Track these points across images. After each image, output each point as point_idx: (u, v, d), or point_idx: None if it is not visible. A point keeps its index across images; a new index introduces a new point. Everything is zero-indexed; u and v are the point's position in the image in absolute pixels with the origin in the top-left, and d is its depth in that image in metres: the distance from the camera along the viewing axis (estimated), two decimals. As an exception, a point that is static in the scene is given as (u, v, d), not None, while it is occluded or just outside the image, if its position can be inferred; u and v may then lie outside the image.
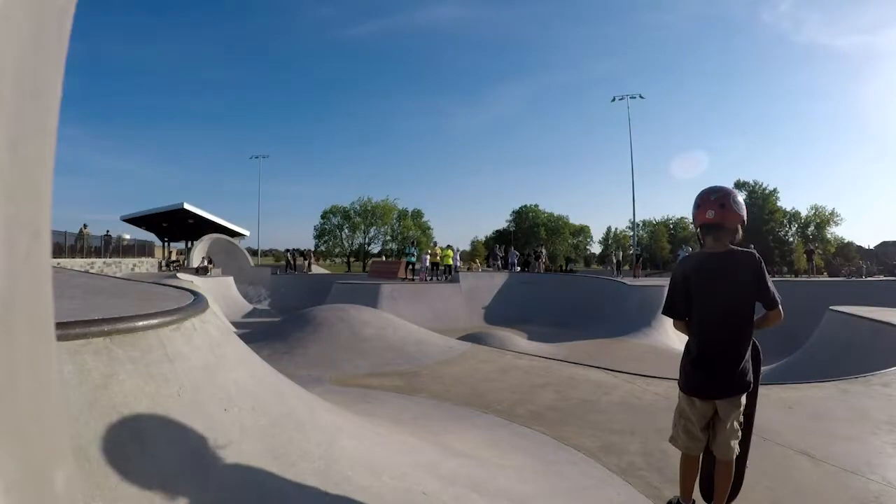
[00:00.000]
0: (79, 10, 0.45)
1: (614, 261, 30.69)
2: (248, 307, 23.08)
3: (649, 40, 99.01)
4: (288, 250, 36.28)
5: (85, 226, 23.62)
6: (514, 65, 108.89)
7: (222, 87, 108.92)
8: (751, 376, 2.41)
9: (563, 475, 3.13)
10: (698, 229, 2.54)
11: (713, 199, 2.44)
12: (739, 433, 2.45)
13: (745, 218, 2.48)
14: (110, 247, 24.33)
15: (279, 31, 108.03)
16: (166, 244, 42.54)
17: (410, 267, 23.02)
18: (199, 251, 30.42)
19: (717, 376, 2.40)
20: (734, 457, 2.44)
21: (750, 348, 2.43)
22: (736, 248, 2.47)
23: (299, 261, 33.49)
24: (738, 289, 2.39)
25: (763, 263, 2.43)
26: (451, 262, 22.96)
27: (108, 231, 24.70)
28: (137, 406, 1.82)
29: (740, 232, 2.48)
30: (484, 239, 64.35)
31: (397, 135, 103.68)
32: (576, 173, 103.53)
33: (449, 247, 24.45)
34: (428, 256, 23.76)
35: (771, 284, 2.40)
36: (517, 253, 28.00)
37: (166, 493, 1.66)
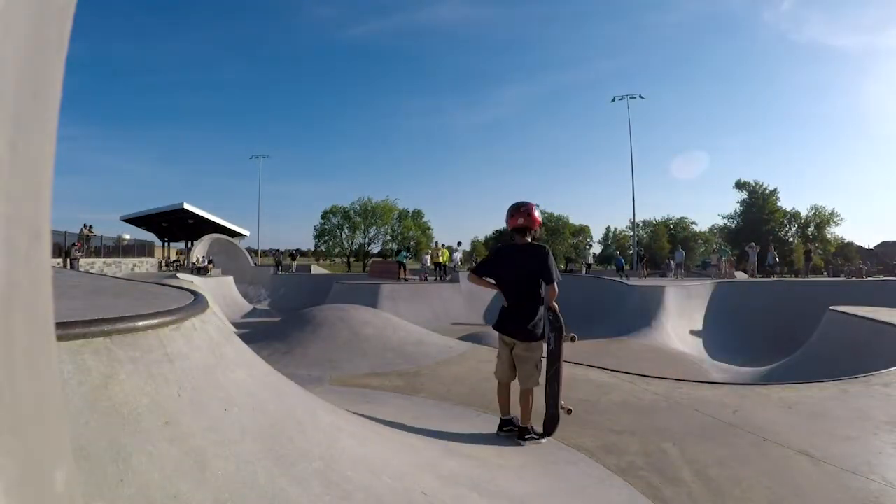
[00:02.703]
0: (79, 10, 0.45)
1: (589, 262, 29.97)
2: (248, 307, 23.08)
3: (649, 40, 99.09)
4: (278, 251, 36.84)
5: (88, 227, 23.54)
6: (515, 65, 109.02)
7: (222, 87, 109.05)
8: (540, 332, 3.63)
9: (563, 475, 3.13)
10: (511, 230, 3.75)
11: (522, 210, 3.70)
12: (536, 373, 3.63)
13: (518, 224, 3.71)
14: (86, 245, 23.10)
15: (280, 31, 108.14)
16: (166, 244, 42.56)
17: (404, 268, 23.04)
18: (199, 251, 30.44)
19: (515, 323, 3.65)
20: (531, 387, 3.63)
21: (544, 313, 3.66)
22: (533, 242, 3.74)
23: (287, 261, 34.11)
24: (528, 267, 3.64)
25: (549, 254, 3.68)
26: (446, 261, 23.08)
27: (89, 226, 23.81)
28: (137, 406, 1.82)
29: (538, 233, 3.81)
30: (484, 239, 64.30)
31: (397, 135, 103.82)
32: (576, 173, 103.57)
33: (447, 247, 24.52)
34: (428, 257, 23.78)
35: (553, 268, 3.65)
36: None
37: (166, 493, 1.66)
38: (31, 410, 0.37)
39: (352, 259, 57.79)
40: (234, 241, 35.96)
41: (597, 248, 66.15)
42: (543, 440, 3.62)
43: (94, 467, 1.55)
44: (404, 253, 24.59)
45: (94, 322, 1.93)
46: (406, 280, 22.23)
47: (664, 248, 53.53)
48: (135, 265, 27.06)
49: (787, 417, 4.11)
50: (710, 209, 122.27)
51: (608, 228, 66.23)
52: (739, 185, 53.99)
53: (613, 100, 39.10)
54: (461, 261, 25.50)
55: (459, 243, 27.44)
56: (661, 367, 9.59)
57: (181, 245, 42.23)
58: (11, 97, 0.35)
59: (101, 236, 26.41)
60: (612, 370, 5.90)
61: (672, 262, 25.15)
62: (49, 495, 0.39)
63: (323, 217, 58.98)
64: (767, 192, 52.77)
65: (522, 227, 3.68)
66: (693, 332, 16.73)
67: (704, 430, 3.84)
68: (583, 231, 63.85)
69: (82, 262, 20.73)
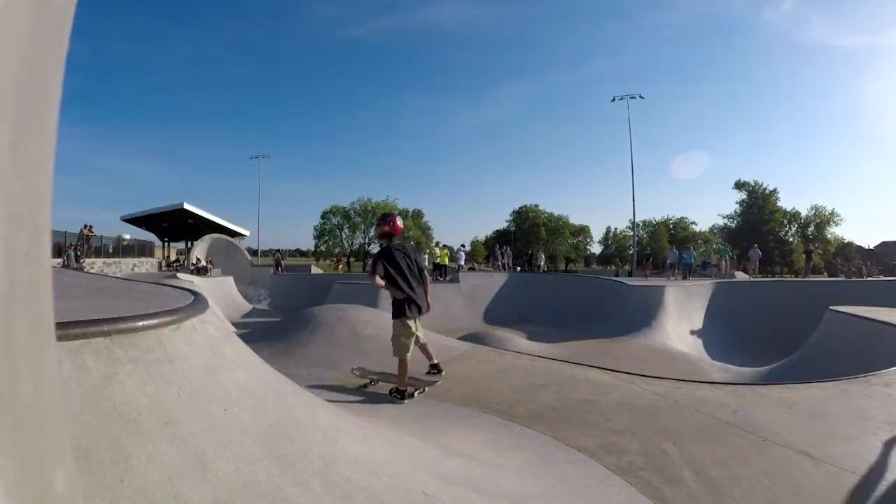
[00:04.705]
0: (79, 10, 0.45)
1: (500, 261, 26.71)
2: (248, 307, 23.07)
3: (650, 40, 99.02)
4: (278, 251, 36.98)
5: (88, 227, 23.51)
6: (515, 64, 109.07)
7: (222, 86, 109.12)
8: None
9: (563, 475, 3.13)
10: (391, 235, 4.82)
11: (388, 220, 4.86)
12: (393, 344, 4.71)
13: (384, 231, 4.87)
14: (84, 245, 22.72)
15: (280, 30, 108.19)
16: (166, 244, 42.53)
17: None
18: (199, 251, 30.39)
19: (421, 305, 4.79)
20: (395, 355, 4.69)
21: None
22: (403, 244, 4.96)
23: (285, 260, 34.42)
24: (419, 262, 4.88)
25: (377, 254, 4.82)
26: (446, 261, 23.14)
27: (89, 226, 23.57)
28: (137, 406, 1.82)
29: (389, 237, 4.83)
30: (484, 239, 64.29)
31: (398, 135, 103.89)
32: (576, 173, 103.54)
33: (445, 246, 24.67)
34: (425, 257, 23.80)
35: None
36: (510, 253, 28.39)
37: (166, 493, 1.66)
38: (31, 410, 0.37)
39: (352, 259, 57.73)
40: (234, 241, 35.91)
41: (596, 248, 66.26)
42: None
43: (94, 467, 1.55)
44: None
45: (94, 322, 1.93)
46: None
47: (664, 248, 53.56)
48: (135, 265, 27.05)
49: (787, 417, 4.11)
50: (710, 209, 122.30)
51: (608, 228, 66.29)
52: (739, 186, 53.96)
53: (613, 100, 39.03)
54: (463, 261, 25.44)
55: (463, 245, 27.47)
56: (661, 367, 9.59)
57: (181, 245, 42.16)
58: (11, 97, 0.35)
59: (101, 236, 26.39)
60: (612, 370, 5.90)
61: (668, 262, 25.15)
62: (49, 495, 0.39)
63: (323, 217, 58.94)
64: (767, 192, 52.73)
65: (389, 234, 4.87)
66: (693, 332, 16.72)
67: (704, 430, 3.84)
68: (583, 231, 63.81)
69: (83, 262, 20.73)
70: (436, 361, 5.09)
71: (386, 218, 4.93)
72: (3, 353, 0.35)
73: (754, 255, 25.40)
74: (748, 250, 26.99)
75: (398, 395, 4.68)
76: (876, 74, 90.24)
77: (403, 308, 4.71)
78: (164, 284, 4.99)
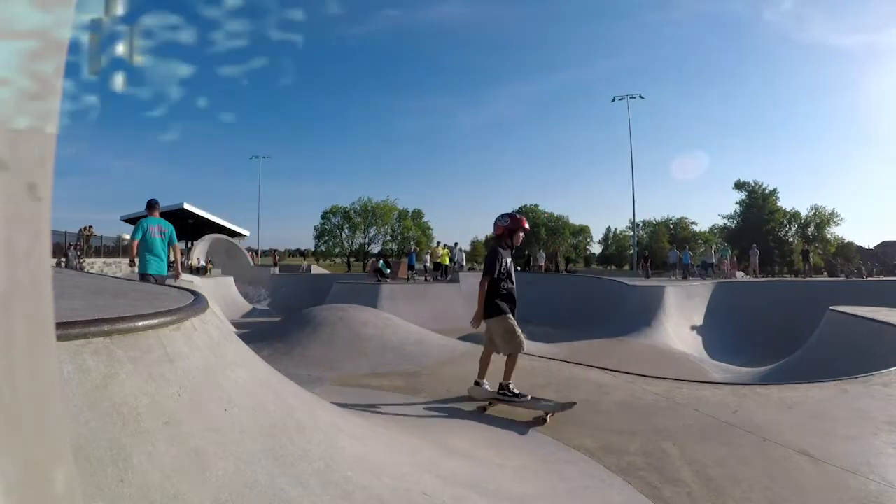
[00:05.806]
0: (79, 9, 0.44)
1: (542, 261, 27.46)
2: (248, 307, 23.09)
3: (650, 39, 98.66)
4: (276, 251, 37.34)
5: (88, 227, 23.51)
6: (515, 64, 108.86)
7: (222, 86, 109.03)
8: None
9: (563, 475, 3.13)
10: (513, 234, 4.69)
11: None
12: (507, 341, 4.48)
13: (504, 226, 4.67)
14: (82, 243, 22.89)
15: (280, 29, 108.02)
16: (166, 244, 42.46)
17: (382, 275, 22.87)
18: (199, 251, 30.40)
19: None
20: (509, 353, 4.49)
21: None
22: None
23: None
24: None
25: (491, 253, 4.74)
26: (447, 262, 23.18)
27: (88, 226, 23.53)
28: (137, 406, 1.82)
29: (509, 237, 4.69)
30: (484, 239, 64.30)
31: (398, 135, 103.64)
32: (576, 173, 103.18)
33: (445, 246, 24.68)
34: (428, 256, 23.84)
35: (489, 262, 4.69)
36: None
37: (166, 493, 1.66)
38: (31, 410, 0.37)
39: (352, 259, 57.76)
40: (235, 241, 35.90)
41: (596, 248, 66.32)
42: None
43: (94, 467, 1.55)
44: (382, 262, 24.61)
45: (94, 322, 1.93)
46: (383, 280, 22.11)
47: (665, 248, 53.54)
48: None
49: (787, 417, 4.11)
50: (710, 209, 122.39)
51: (608, 228, 66.36)
52: (739, 186, 53.97)
53: (613, 100, 39.12)
54: (464, 261, 25.60)
55: (456, 243, 27.55)
56: (661, 367, 9.59)
57: (181, 245, 42.13)
58: (12, 98, 0.35)
59: (101, 236, 26.42)
60: (612, 370, 5.90)
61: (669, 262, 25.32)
62: (49, 495, 0.39)
63: (323, 217, 59.00)
64: (767, 192, 52.74)
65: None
66: (693, 332, 16.73)
67: (704, 430, 3.84)
68: (583, 231, 63.83)
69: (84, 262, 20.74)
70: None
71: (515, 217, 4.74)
72: (3, 353, 0.35)
73: (753, 255, 25.45)
74: (748, 250, 27.03)
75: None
76: (876, 74, 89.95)
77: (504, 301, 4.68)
78: (164, 284, 4.99)
